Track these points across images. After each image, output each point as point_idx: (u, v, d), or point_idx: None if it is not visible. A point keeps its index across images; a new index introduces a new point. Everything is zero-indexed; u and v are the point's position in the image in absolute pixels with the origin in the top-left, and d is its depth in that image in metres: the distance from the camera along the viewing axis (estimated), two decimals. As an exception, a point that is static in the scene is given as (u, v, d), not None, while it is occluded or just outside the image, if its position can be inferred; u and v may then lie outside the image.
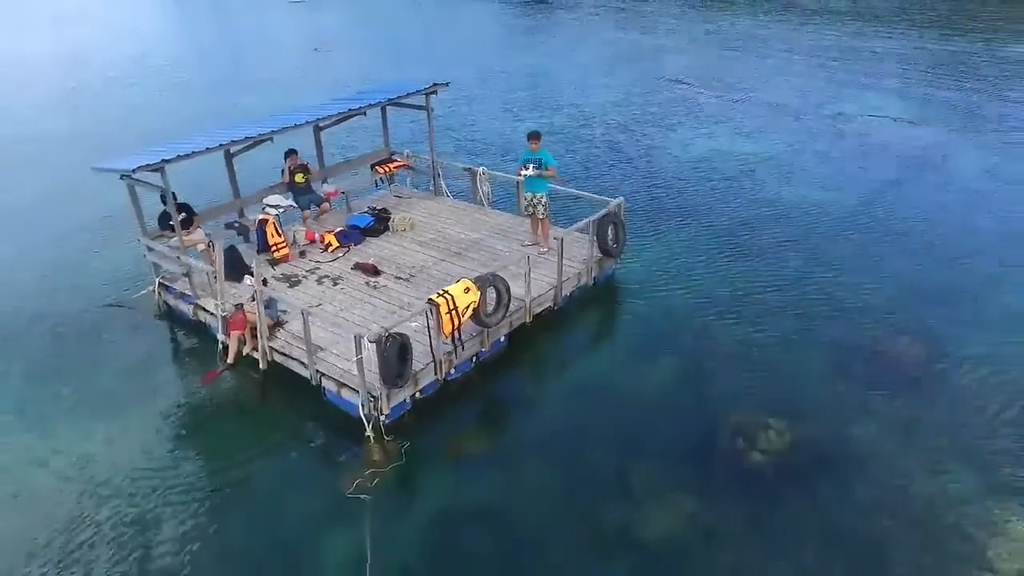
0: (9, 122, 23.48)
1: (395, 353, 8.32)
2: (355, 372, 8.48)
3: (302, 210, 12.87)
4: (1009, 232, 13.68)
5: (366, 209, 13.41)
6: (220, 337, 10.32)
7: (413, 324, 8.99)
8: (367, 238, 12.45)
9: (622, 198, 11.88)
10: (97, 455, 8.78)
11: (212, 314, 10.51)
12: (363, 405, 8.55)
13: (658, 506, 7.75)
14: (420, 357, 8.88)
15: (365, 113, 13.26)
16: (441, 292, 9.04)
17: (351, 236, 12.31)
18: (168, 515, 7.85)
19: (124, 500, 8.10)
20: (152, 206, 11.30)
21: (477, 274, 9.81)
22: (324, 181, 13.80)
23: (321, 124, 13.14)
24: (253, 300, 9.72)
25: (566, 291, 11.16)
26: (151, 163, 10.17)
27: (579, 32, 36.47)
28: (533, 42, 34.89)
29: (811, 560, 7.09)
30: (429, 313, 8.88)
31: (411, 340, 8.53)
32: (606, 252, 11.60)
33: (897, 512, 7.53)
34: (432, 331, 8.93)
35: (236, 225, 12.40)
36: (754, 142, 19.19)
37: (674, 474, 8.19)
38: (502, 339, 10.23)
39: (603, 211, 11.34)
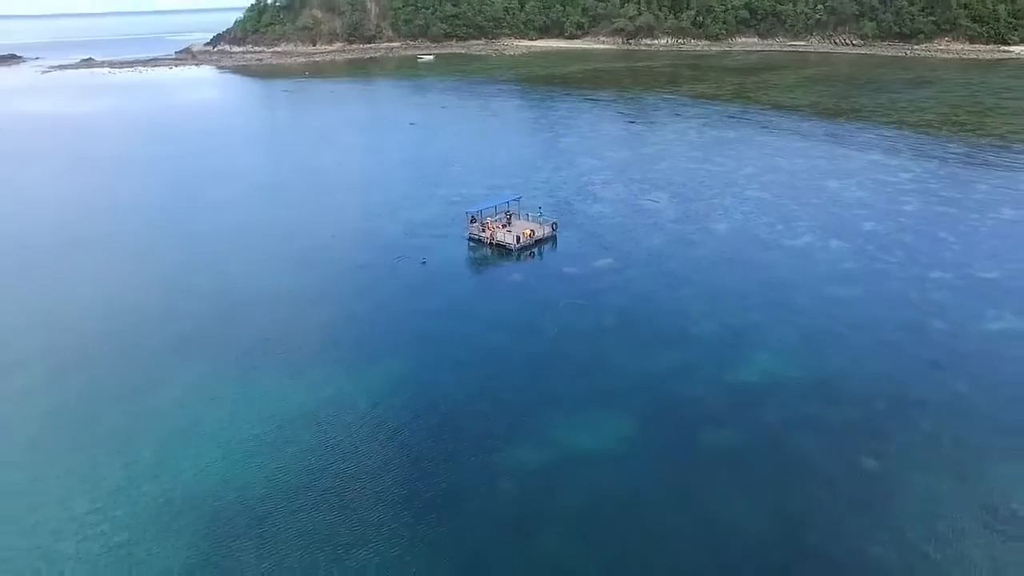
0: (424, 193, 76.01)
1: (517, 237, 60.05)
2: (513, 242, 60.16)
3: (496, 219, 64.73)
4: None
5: (506, 220, 65.37)
6: (487, 240, 61.99)
7: (519, 233, 60.83)
8: (506, 225, 64.07)
9: (556, 220, 63.90)
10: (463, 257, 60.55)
11: (483, 237, 62.34)
12: (513, 248, 60.16)
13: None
14: (524, 240, 60.51)
15: (508, 202, 65.81)
16: (524, 231, 60.84)
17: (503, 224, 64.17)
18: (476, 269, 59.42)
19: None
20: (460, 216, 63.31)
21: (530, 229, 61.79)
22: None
23: (499, 207, 65.61)
24: (491, 232, 61.69)
25: (545, 235, 62.87)
26: (474, 212, 62.82)
27: (564, 127, 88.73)
28: (548, 148, 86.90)
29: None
30: (522, 233, 60.65)
31: (522, 237, 60.22)
32: (553, 229, 63.31)
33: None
34: (524, 237, 60.61)
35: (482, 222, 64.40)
36: (602, 203, 70.31)
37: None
38: (534, 239, 61.76)
39: (552, 221, 63.38)
